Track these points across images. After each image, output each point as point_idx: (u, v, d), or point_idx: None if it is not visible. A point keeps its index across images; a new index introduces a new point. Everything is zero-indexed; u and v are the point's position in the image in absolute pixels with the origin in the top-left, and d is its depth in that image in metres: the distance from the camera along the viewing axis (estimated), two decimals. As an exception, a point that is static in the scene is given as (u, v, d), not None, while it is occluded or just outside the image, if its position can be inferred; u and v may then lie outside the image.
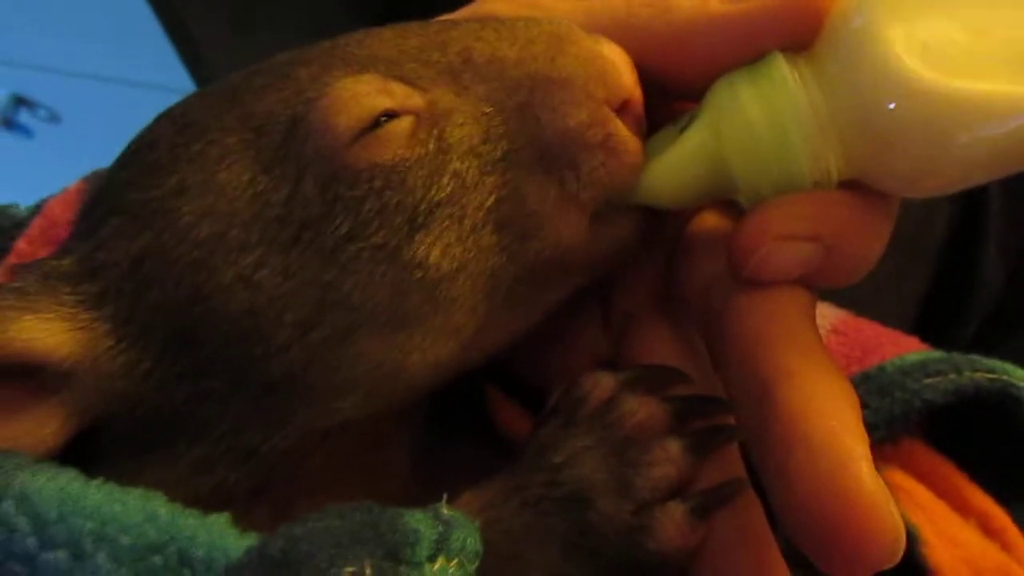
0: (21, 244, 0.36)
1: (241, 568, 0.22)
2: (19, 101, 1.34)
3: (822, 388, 0.26)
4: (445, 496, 0.26)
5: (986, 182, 0.30)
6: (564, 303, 0.33)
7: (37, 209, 0.38)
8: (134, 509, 0.23)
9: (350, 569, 0.21)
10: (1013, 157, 0.27)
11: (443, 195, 0.29)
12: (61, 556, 0.22)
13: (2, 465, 0.24)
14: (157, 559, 0.22)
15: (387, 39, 0.31)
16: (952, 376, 0.38)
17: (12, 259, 0.36)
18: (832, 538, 0.24)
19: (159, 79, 1.19)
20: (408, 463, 0.34)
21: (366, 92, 0.29)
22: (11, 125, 1.36)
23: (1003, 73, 0.27)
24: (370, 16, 1.07)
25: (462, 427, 0.37)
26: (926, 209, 0.63)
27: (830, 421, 0.25)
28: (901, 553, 0.25)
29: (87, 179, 0.38)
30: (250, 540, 0.23)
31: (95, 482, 0.24)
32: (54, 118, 1.35)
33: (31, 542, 0.23)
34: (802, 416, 0.26)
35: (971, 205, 0.63)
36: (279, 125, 0.30)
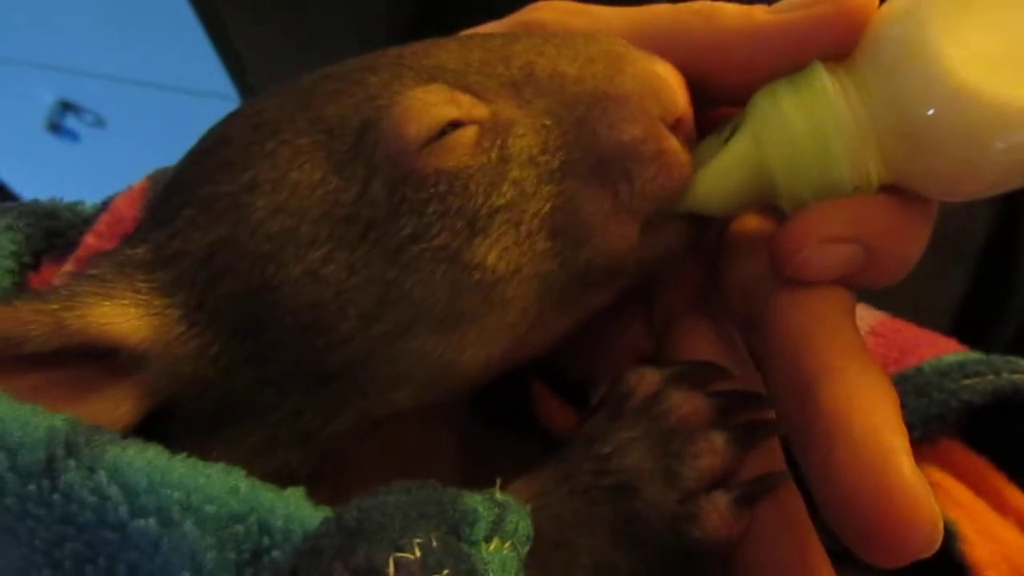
0: (89, 238, 0.38)
1: (319, 536, 0.23)
2: (66, 106, 1.36)
3: (864, 385, 0.27)
4: (499, 481, 0.27)
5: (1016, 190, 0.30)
6: (607, 307, 0.34)
7: (104, 205, 0.40)
8: (217, 482, 0.24)
9: (419, 540, 0.22)
10: None
11: (503, 202, 0.31)
12: (151, 523, 0.24)
13: (94, 439, 0.25)
14: (239, 528, 0.23)
15: (452, 50, 0.33)
16: (990, 377, 0.38)
17: (81, 252, 0.37)
18: (873, 528, 0.25)
19: (202, 85, 1.21)
20: (456, 451, 0.36)
21: (435, 102, 0.31)
22: (58, 129, 1.38)
23: None
24: (404, 22, 1.09)
25: (506, 419, 0.38)
26: (966, 212, 0.63)
27: (872, 417, 0.26)
28: (939, 543, 0.25)
29: (151, 177, 0.40)
30: (324, 512, 0.24)
31: (179, 456, 0.25)
32: (99, 123, 1.37)
33: (123, 510, 0.24)
34: (845, 412, 0.26)
35: (1011, 207, 0.63)
36: (350, 129, 0.31)
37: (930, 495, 0.25)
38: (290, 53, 1.18)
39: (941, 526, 0.25)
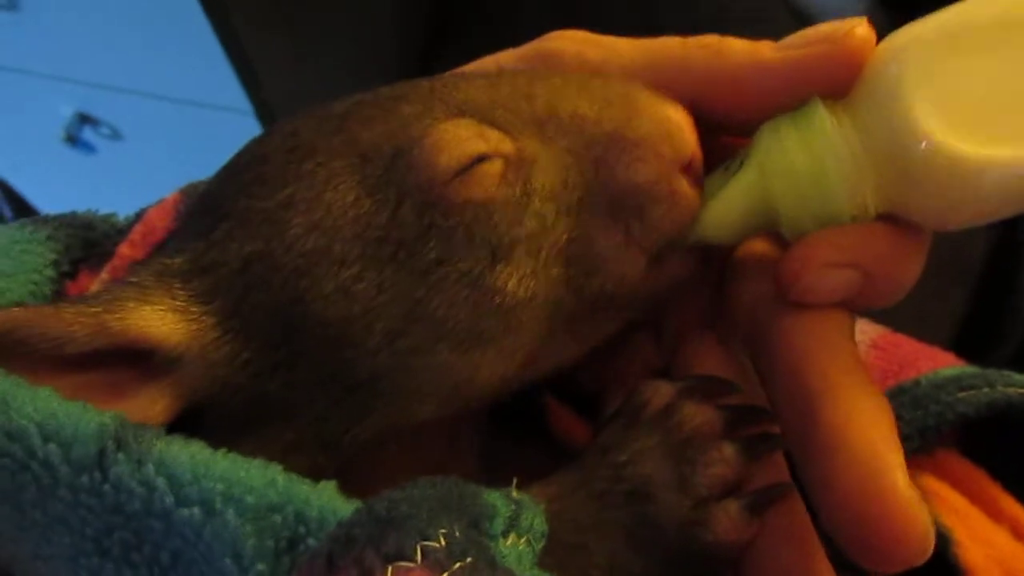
0: (123, 248, 0.39)
1: (352, 524, 0.24)
2: (84, 119, 1.37)
3: (862, 402, 0.29)
4: (515, 481, 0.29)
5: (1013, 215, 0.32)
6: (618, 332, 0.36)
7: (137, 217, 0.41)
8: (256, 475, 0.26)
9: (443, 530, 0.24)
10: None
11: (524, 232, 0.32)
12: (195, 512, 0.25)
13: (141, 435, 0.27)
14: (277, 518, 0.25)
15: (480, 86, 0.34)
16: (985, 390, 0.39)
17: (116, 262, 0.39)
18: (868, 537, 0.27)
19: (218, 100, 1.22)
20: (474, 461, 0.37)
21: (466, 137, 0.32)
22: (75, 142, 1.39)
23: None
24: (414, 43, 1.11)
25: (521, 431, 0.40)
26: (966, 234, 0.64)
27: (869, 433, 0.28)
28: (930, 552, 0.27)
29: (183, 190, 0.41)
30: (355, 504, 0.25)
31: (221, 451, 0.27)
32: (116, 135, 1.39)
33: (168, 500, 0.25)
34: (844, 427, 0.28)
35: (1011, 230, 0.64)
36: (384, 155, 0.33)
37: (923, 507, 0.27)
38: (304, 70, 1.20)
39: (932, 537, 0.27)
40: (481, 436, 0.38)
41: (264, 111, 1.19)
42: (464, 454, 0.37)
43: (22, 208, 1.54)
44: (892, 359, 0.44)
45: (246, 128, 1.21)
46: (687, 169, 0.34)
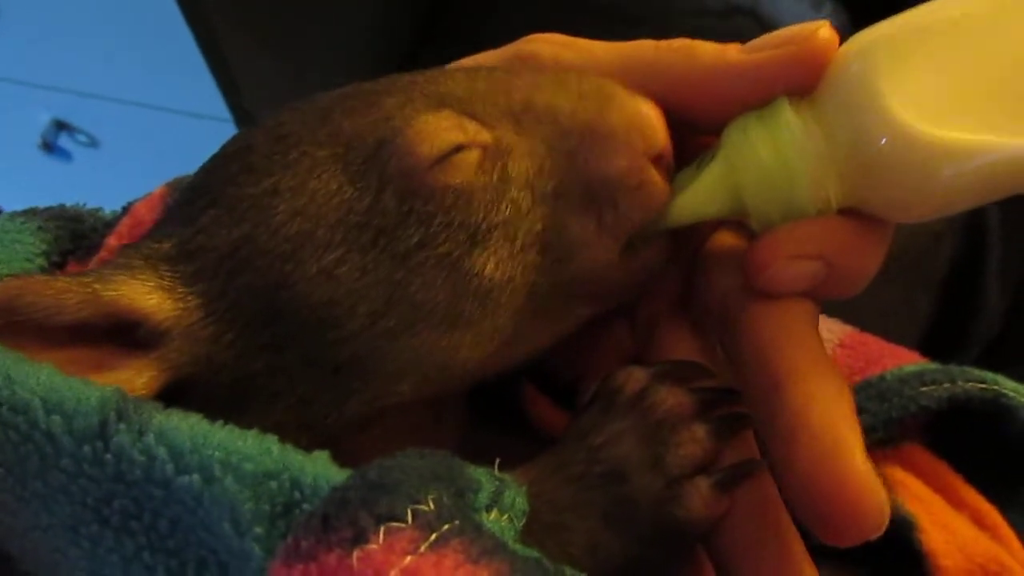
0: (111, 240, 0.40)
1: (346, 488, 0.25)
2: (60, 125, 1.37)
3: (824, 386, 0.30)
4: (497, 462, 0.30)
5: (973, 207, 0.33)
6: (592, 319, 0.37)
7: (124, 210, 0.42)
8: (253, 444, 0.27)
9: (432, 496, 0.25)
10: (991, 189, 0.31)
11: (500, 218, 0.34)
12: (195, 480, 0.26)
13: (141, 407, 0.28)
14: (273, 484, 0.26)
15: (460, 80, 0.36)
16: (947, 385, 0.41)
17: (104, 253, 0.40)
18: (828, 510, 0.28)
19: (197, 107, 1.22)
20: (454, 447, 0.38)
21: (445, 127, 0.34)
22: (52, 149, 1.39)
23: (985, 115, 0.30)
24: (393, 55, 1.12)
25: (503, 424, 0.41)
26: (932, 239, 0.65)
27: (830, 413, 0.29)
28: (885, 526, 0.28)
29: (170, 184, 0.42)
30: (347, 472, 0.26)
31: (218, 423, 0.28)
32: (93, 143, 1.39)
33: (169, 468, 0.26)
34: (805, 408, 0.30)
35: (975, 235, 0.66)
36: (366, 144, 0.34)
37: (879, 484, 0.28)
38: (285, 78, 1.20)
39: (888, 512, 0.28)
40: (462, 424, 0.39)
41: (244, 120, 1.19)
42: (445, 443, 0.38)
43: (-6, 215, 1.53)
44: (859, 357, 0.45)
45: (225, 136, 1.20)
46: (658, 161, 0.35)
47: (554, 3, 0.87)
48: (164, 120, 1.29)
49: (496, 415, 0.41)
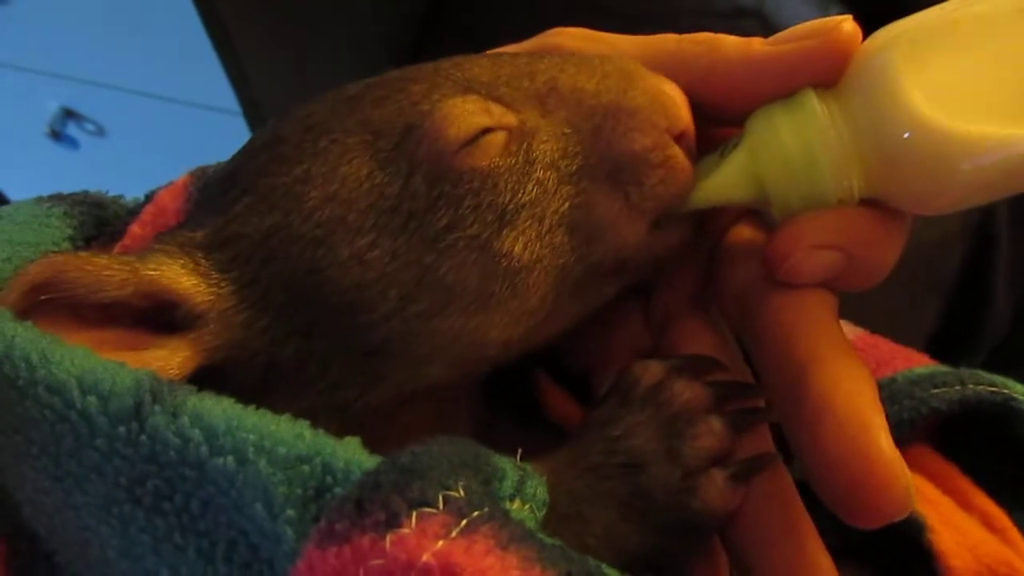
0: (135, 228, 0.40)
1: (379, 472, 0.25)
2: (68, 114, 1.37)
3: (847, 371, 0.31)
4: (520, 452, 0.30)
5: (994, 200, 0.34)
6: (616, 296, 0.38)
7: (148, 198, 0.42)
8: (286, 428, 0.27)
9: (462, 483, 0.25)
10: (1012, 183, 0.32)
11: (527, 199, 0.34)
12: (229, 461, 0.26)
13: (176, 389, 0.28)
14: (306, 468, 0.26)
15: (484, 66, 0.36)
16: (957, 387, 0.41)
17: (127, 240, 0.40)
18: (854, 492, 0.29)
19: (206, 99, 1.22)
20: (472, 435, 0.39)
21: (472, 111, 0.34)
22: (59, 137, 1.39)
23: (1007, 110, 0.31)
24: (402, 46, 1.12)
25: (519, 415, 0.42)
26: (941, 244, 0.66)
27: (855, 397, 0.30)
28: (910, 508, 0.29)
29: (192, 172, 0.42)
30: (378, 458, 0.27)
31: (251, 407, 0.28)
32: (100, 131, 1.39)
33: (203, 450, 0.27)
34: (831, 393, 0.30)
35: (984, 240, 0.66)
36: (395, 130, 0.34)
37: (904, 467, 0.29)
38: (294, 70, 1.21)
39: (912, 493, 0.29)
40: (479, 413, 0.40)
41: (252, 111, 1.19)
42: (466, 431, 0.38)
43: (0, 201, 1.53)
44: (870, 359, 0.46)
45: (232, 128, 1.21)
46: (680, 140, 0.36)
47: (558, 3, 0.88)
48: (172, 110, 1.29)
49: (510, 406, 0.41)
